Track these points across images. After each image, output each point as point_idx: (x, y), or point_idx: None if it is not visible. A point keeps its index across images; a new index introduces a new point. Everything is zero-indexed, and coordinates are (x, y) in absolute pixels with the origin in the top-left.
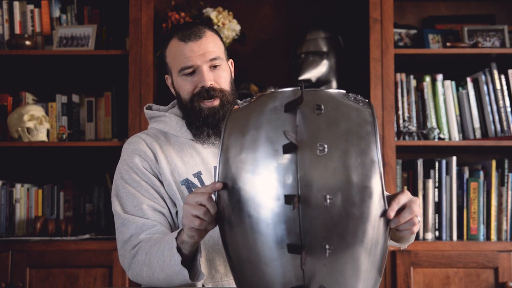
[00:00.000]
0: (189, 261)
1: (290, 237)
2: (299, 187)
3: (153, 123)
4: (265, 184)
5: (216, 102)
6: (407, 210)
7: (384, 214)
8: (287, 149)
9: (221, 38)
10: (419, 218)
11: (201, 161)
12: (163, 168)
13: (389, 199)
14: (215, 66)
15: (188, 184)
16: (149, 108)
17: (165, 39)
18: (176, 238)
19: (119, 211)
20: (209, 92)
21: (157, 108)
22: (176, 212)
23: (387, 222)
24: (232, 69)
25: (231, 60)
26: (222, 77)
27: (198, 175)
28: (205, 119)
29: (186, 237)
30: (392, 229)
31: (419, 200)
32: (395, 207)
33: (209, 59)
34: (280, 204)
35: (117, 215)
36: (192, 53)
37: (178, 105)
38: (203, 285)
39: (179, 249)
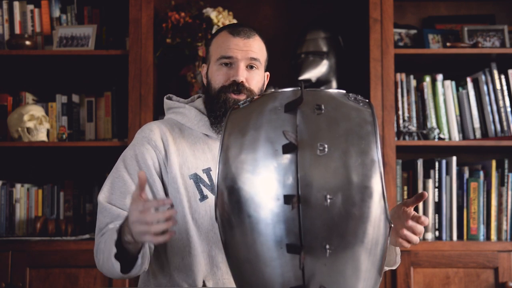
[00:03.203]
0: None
1: (290, 237)
2: (298, 187)
3: (170, 114)
4: (265, 184)
5: (242, 97)
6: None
7: (386, 214)
8: (286, 149)
9: (266, 49)
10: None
11: (212, 157)
12: (171, 160)
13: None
14: (251, 67)
15: (196, 178)
16: (169, 99)
17: (216, 31)
18: (122, 234)
19: (101, 198)
20: (239, 86)
21: (177, 99)
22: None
23: (388, 223)
24: (266, 82)
25: (267, 73)
26: (255, 79)
27: (207, 171)
28: (227, 109)
29: (128, 238)
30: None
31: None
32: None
33: (249, 57)
34: (280, 204)
35: (98, 201)
36: (236, 46)
37: (205, 94)
38: (204, 282)
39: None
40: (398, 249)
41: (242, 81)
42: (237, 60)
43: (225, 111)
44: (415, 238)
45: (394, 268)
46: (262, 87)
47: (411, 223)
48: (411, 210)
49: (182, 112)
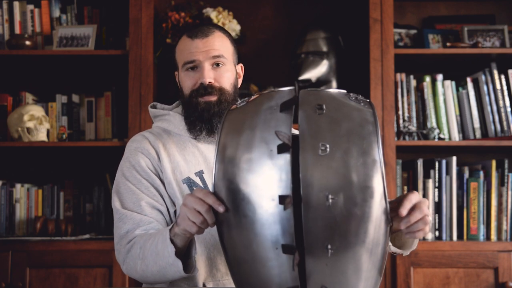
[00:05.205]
0: (183, 256)
1: (285, 238)
2: (300, 187)
3: (157, 122)
4: (261, 184)
5: (213, 98)
6: (417, 210)
7: (387, 214)
8: (280, 149)
9: (232, 42)
10: (430, 218)
11: (204, 160)
12: (164, 167)
13: (399, 199)
14: (217, 65)
15: (189, 182)
16: (154, 107)
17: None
18: (169, 231)
19: (117, 206)
20: (207, 89)
21: (162, 107)
22: (175, 212)
23: (389, 223)
24: (241, 74)
25: (240, 65)
26: (224, 76)
27: (200, 174)
28: (200, 113)
29: (178, 231)
30: (398, 233)
31: (428, 202)
32: (407, 205)
33: (211, 56)
34: (275, 205)
35: (115, 210)
36: (197, 49)
37: (180, 100)
38: (204, 284)
39: (172, 242)
40: None
41: (210, 83)
42: (200, 62)
43: (198, 115)
44: (420, 234)
45: (414, 248)
46: (235, 81)
47: (406, 231)
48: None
49: (167, 119)
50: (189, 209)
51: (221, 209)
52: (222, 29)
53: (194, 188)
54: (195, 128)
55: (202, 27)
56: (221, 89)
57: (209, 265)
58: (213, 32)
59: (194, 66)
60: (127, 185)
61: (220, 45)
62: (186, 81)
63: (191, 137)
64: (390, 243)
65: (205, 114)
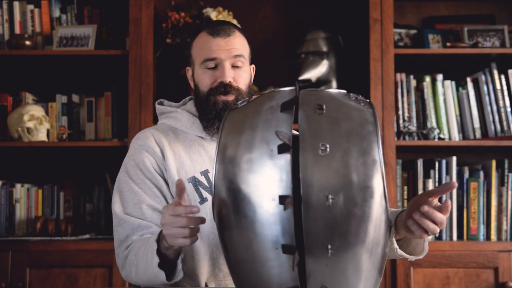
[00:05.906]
0: (176, 258)
1: (285, 238)
2: (300, 187)
3: (164, 119)
4: (261, 184)
5: (231, 98)
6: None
7: (387, 214)
8: (281, 149)
9: (248, 42)
10: (438, 230)
11: (209, 159)
12: (169, 165)
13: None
14: (237, 66)
15: (194, 182)
16: (161, 104)
17: (194, 32)
18: (160, 241)
19: (117, 210)
20: (226, 88)
21: (169, 104)
22: None
23: (388, 223)
24: (253, 75)
25: (253, 66)
26: (242, 77)
27: (205, 173)
28: (218, 112)
29: (172, 245)
30: (406, 239)
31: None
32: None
33: (233, 56)
34: (275, 205)
35: (114, 214)
36: (218, 47)
37: (195, 97)
38: (206, 284)
39: (163, 253)
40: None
41: (229, 82)
42: (221, 61)
43: (216, 113)
44: (432, 226)
45: (421, 257)
46: (249, 82)
47: (427, 208)
48: (434, 200)
49: (174, 117)
50: (172, 229)
51: (195, 209)
52: (240, 29)
53: (199, 187)
54: (213, 126)
55: (222, 25)
56: (238, 89)
57: (211, 265)
58: (234, 32)
59: (215, 64)
60: (129, 185)
61: (240, 45)
62: (205, 79)
63: (200, 136)
64: (397, 247)
65: (223, 113)
